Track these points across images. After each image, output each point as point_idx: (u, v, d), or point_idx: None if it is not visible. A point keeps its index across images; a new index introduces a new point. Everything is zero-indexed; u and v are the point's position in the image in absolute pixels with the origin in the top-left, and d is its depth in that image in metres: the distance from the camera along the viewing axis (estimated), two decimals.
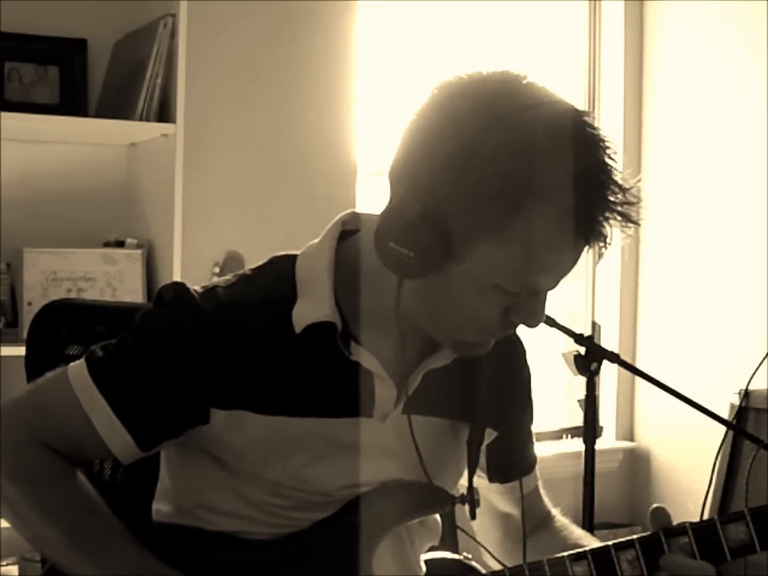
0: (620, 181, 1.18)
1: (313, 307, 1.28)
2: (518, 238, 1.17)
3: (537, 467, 1.53)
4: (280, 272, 1.32)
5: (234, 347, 1.26)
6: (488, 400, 1.38)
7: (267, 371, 1.27)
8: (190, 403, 1.26)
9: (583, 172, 1.15)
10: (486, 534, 1.53)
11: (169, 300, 1.29)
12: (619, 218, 1.18)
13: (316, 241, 1.35)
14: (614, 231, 1.19)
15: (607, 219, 1.17)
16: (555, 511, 1.55)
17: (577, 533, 1.49)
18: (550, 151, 1.15)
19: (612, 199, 1.17)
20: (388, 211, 1.22)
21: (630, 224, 1.19)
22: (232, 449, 1.29)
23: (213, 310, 1.27)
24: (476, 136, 1.15)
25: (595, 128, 1.18)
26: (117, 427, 1.26)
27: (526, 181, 1.15)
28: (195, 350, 1.25)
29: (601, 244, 1.20)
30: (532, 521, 1.50)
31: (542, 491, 1.54)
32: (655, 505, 1.33)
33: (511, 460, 1.47)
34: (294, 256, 1.34)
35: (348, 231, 1.35)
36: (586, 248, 1.21)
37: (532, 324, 1.26)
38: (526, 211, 1.16)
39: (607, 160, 1.17)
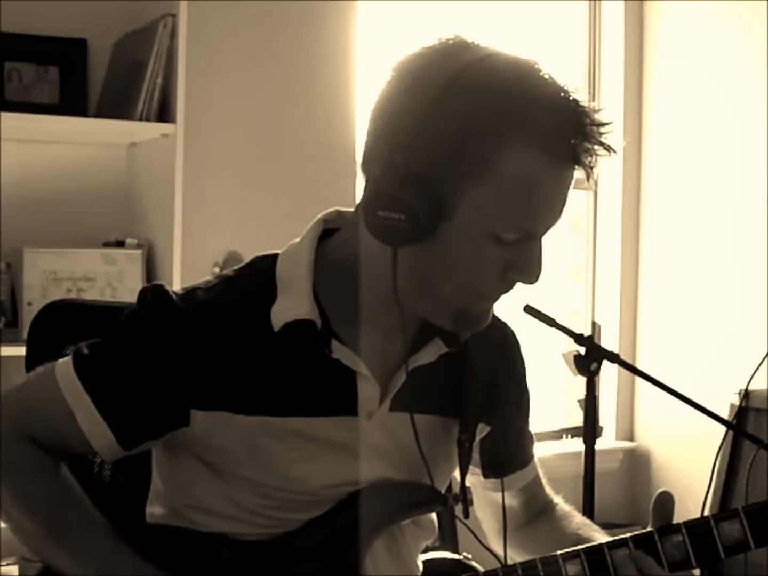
0: (587, 104, 1.20)
1: (291, 305, 1.28)
2: (504, 175, 1.17)
3: (536, 459, 1.53)
4: (260, 272, 1.32)
5: (212, 348, 1.26)
6: (480, 394, 1.38)
7: (246, 371, 1.27)
8: (169, 404, 1.26)
9: (551, 99, 1.18)
10: (487, 523, 1.53)
11: (149, 301, 1.29)
12: (595, 136, 1.19)
13: (297, 240, 1.34)
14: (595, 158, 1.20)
15: (584, 136, 1.18)
16: (557, 499, 1.55)
17: (578, 521, 1.49)
18: (517, 85, 1.18)
19: (584, 118, 1.18)
20: (369, 187, 1.22)
21: (604, 141, 1.19)
22: (215, 450, 1.29)
23: (191, 312, 1.27)
24: (442, 88, 1.17)
25: (548, 71, 1.21)
26: (99, 424, 1.26)
27: (500, 117, 1.16)
28: (172, 351, 1.25)
29: (586, 163, 1.20)
30: (533, 510, 1.51)
31: (544, 480, 1.54)
32: (661, 490, 1.32)
33: (506, 455, 1.47)
34: (275, 256, 1.34)
35: (331, 229, 1.34)
36: (572, 174, 1.21)
37: (531, 279, 1.24)
38: (506, 146, 1.17)
39: (569, 90, 1.20)
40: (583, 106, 1.19)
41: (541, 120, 1.17)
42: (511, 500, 1.50)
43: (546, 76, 1.20)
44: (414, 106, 1.18)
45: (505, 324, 1.46)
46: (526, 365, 1.48)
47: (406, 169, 1.18)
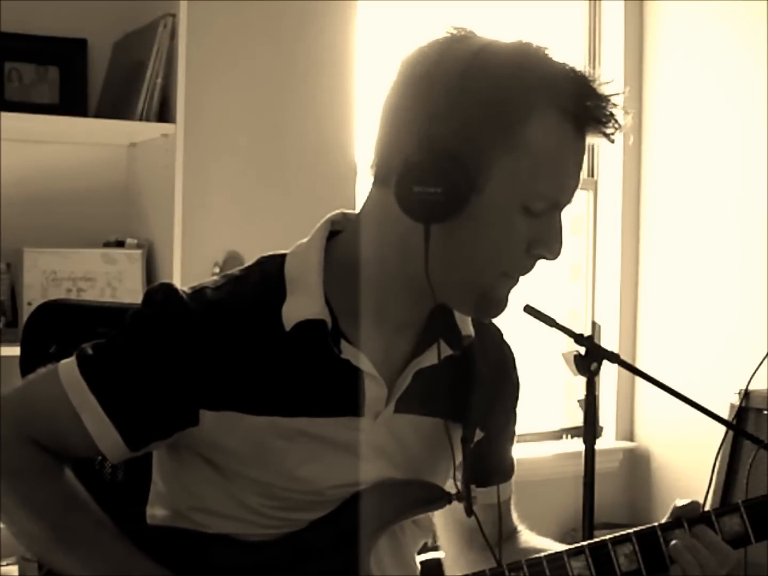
0: (590, 73, 1.26)
1: (303, 304, 1.28)
2: (529, 145, 1.22)
3: (514, 477, 1.53)
4: (269, 272, 1.32)
5: (222, 348, 1.26)
6: (478, 400, 1.38)
7: (256, 371, 1.27)
8: (178, 404, 1.26)
9: (560, 69, 1.24)
10: (447, 543, 1.52)
11: (158, 301, 1.29)
12: (606, 98, 1.24)
13: (304, 240, 1.35)
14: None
15: (598, 98, 1.24)
16: (521, 527, 1.55)
17: (544, 540, 1.50)
18: (527, 59, 1.24)
19: (592, 82, 1.24)
20: (400, 165, 1.23)
21: (615, 112, 1.24)
22: (223, 451, 1.28)
23: (201, 311, 1.27)
24: (464, 67, 1.23)
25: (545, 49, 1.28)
26: (106, 425, 1.26)
27: (522, 89, 1.22)
28: (182, 351, 1.25)
29: (603, 122, 1.24)
30: (502, 533, 1.47)
31: (512, 504, 1.54)
32: (692, 501, 1.33)
33: (492, 465, 1.48)
34: (282, 256, 1.34)
35: (337, 231, 1.35)
36: (585, 140, 1.26)
37: (554, 253, 1.27)
38: (529, 117, 1.22)
39: (569, 63, 1.26)
40: (587, 74, 1.25)
41: (558, 85, 1.23)
42: (482, 517, 1.47)
43: (546, 53, 1.26)
44: (437, 87, 1.23)
45: (502, 336, 1.48)
46: (520, 379, 1.50)
47: (438, 142, 1.21)
